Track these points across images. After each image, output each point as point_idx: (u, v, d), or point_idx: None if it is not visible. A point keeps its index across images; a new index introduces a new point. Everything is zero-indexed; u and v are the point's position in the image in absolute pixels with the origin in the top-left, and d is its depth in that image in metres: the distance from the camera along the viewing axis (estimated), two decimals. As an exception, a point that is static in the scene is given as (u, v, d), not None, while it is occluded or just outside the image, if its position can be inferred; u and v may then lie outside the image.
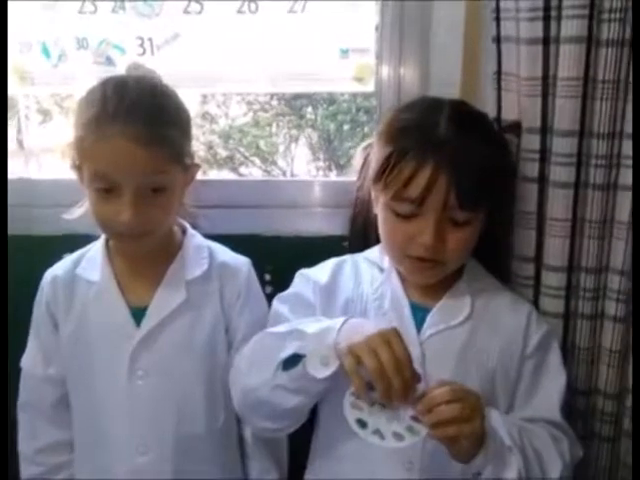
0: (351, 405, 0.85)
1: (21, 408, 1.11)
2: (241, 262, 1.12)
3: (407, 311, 0.98)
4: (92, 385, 1.06)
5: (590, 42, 0.95)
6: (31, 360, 1.10)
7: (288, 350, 0.88)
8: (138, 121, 0.94)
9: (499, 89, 1.08)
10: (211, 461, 1.08)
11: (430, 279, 0.98)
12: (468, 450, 0.83)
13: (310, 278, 1.04)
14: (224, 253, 1.13)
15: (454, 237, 0.91)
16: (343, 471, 0.98)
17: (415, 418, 0.84)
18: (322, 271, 1.05)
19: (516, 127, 1.06)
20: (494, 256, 1.07)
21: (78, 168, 1.00)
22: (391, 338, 0.82)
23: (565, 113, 0.99)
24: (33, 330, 1.11)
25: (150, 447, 1.04)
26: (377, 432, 0.82)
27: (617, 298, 1.04)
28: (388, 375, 0.80)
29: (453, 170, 0.87)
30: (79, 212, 1.07)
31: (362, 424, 0.83)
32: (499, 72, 1.08)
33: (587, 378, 1.09)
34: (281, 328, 0.94)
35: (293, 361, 0.87)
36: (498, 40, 1.07)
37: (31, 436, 1.11)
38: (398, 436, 0.82)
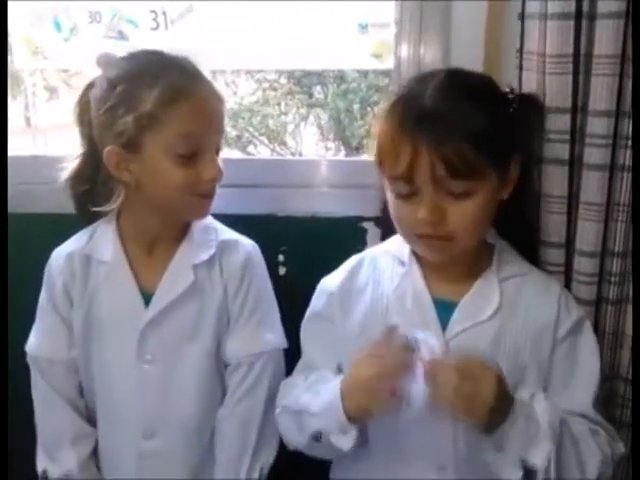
0: None
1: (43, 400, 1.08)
2: (243, 244, 1.10)
3: (430, 308, 0.94)
4: (102, 367, 1.06)
5: (627, 18, 0.92)
6: (50, 345, 1.07)
7: (307, 431, 0.91)
8: (206, 80, 0.98)
9: (521, 68, 1.04)
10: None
11: (445, 256, 0.93)
12: (480, 417, 0.82)
13: (323, 291, 1.03)
14: (229, 235, 1.11)
15: (456, 210, 0.87)
16: (373, 470, 0.96)
17: None
18: (335, 278, 1.03)
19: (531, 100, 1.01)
20: (521, 237, 1.03)
21: (131, 149, 0.96)
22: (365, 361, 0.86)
23: (601, 92, 0.95)
24: (46, 312, 1.08)
25: (157, 431, 1.04)
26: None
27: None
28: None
29: (435, 140, 0.83)
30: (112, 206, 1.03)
31: None
32: (521, 50, 1.04)
33: (611, 363, 1.07)
34: (294, 403, 0.96)
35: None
36: (522, 17, 1.03)
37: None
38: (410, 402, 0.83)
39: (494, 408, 0.81)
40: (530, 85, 1.04)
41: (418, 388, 0.82)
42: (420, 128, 0.84)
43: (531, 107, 1.00)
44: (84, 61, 1.23)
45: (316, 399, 0.92)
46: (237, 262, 1.07)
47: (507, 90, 0.98)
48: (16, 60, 1.26)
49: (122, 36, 1.24)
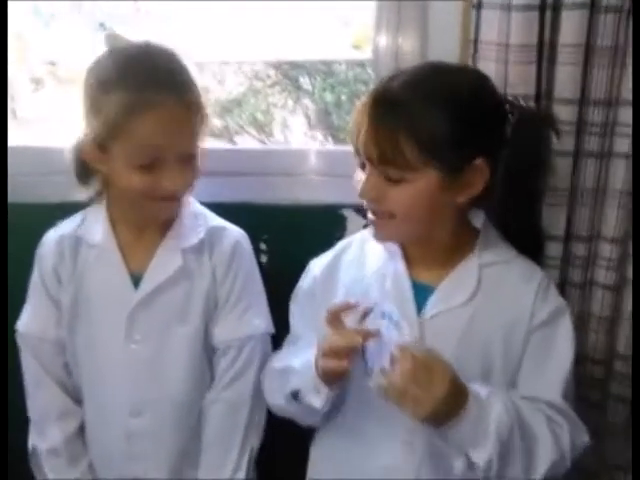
0: None
1: (32, 378, 1.11)
2: (231, 231, 1.12)
3: (408, 291, 0.96)
4: (90, 347, 1.08)
5: (592, 8, 0.94)
6: (39, 324, 1.10)
7: (287, 388, 0.96)
8: (178, 88, 0.95)
9: (474, 57, 1.06)
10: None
11: (387, 236, 0.97)
12: (422, 414, 0.84)
13: (309, 271, 1.07)
14: (219, 222, 1.13)
15: (393, 194, 0.90)
16: (344, 446, 1.00)
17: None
18: (322, 259, 1.06)
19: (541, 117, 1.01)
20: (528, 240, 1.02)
21: (101, 149, 0.97)
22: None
23: (566, 81, 0.97)
24: (37, 292, 1.10)
25: (144, 410, 1.07)
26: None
27: (607, 266, 1.05)
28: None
29: (375, 123, 0.87)
30: (89, 194, 1.06)
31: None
32: (476, 40, 1.06)
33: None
34: (278, 363, 1.04)
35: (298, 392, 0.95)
36: (479, 7, 1.04)
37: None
38: (370, 373, 0.87)
39: (440, 408, 0.82)
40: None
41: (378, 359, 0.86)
42: (370, 108, 0.88)
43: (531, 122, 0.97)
44: (66, 52, 1.25)
45: (299, 358, 0.97)
46: (226, 248, 1.09)
47: (510, 100, 0.97)
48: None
49: (102, 27, 1.24)
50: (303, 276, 1.08)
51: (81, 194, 1.07)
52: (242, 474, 1.07)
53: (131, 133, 0.94)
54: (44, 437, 1.10)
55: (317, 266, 1.06)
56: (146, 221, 1.08)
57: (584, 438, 0.93)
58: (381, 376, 0.85)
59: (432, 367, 0.83)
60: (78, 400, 1.12)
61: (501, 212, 0.99)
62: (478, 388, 0.87)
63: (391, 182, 0.89)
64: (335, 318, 0.90)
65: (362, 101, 0.92)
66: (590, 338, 1.10)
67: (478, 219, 0.99)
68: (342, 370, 0.88)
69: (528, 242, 1.01)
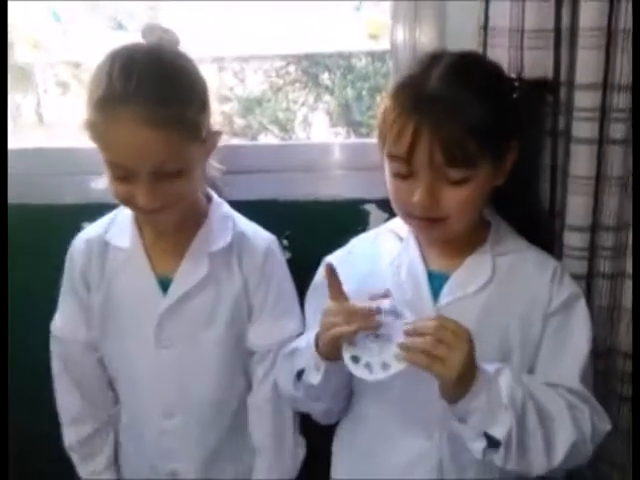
0: (347, 342, 0.87)
1: (56, 379, 1.13)
2: (262, 237, 1.11)
3: (423, 280, 0.96)
4: (121, 350, 1.09)
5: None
6: (70, 325, 1.11)
7: (295, 370, 0.97)
8: (149, 103, 0.88)
9: (485, 45, 1.04)
10: (234, 425, 1.11)
11: (440, 236, 0.96)
12: (448, 387, 0.83)
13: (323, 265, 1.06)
14: (247, 226, 1.12)
15: (452, 196, 0.88)
16: (364, 437, 1.00)
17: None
18: (336, 255, 1.07)
19: (542, 84, 1.02)
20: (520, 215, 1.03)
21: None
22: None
23: (587, 65, 0.95)
24: (67, 295, 1.11)
25: (176, 411, 1.08)
26: (367, 365, 0.85)
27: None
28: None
29: (437, 127, 0.84)
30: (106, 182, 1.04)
31: (355, 359, 0.86)
32: (486, 27, 1.04)
33: (608, 338, 1.08)
34: (288, 347, 1.03)
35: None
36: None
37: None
38: (385, 366, 0.84)
39: (466, 368, 0.81)
40: (499, 62, 1.01)
41: (390, 347, 0.84)
42: (422, 111, 0.85)
43: (542, 90, 1.00)
44: (85, 54, 1.25)
45: (304, 340, 0.99)
46: (258, 255, 1.08)
47: (514, 76, 0.98)
48: (17, 54, 1.28)
49: (121, 27, 1.24)
50: (317, 273, 1.07)
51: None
52: (294, 473, 1.11)
53: (101, 145, 0.93)
54: (65, 435, 1.15)
55: (331, 263, 1.05)
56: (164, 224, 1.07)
57: (606, 425, 0.92)
58: (402, 351, 0.83)
59: (451, 328, 0.83)
60: (98, 402, 1.14)
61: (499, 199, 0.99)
62: (485, 365, 0.86)
63: (451, 184, 0.87)
64: (338, 294, 0.90)
65: (397, 102, 0.88)
66: (621, 331, 1.07)
67: (485, 211, 1.00)
68: (350, 332, 0.86)
69: (532, 231, 1.01)
